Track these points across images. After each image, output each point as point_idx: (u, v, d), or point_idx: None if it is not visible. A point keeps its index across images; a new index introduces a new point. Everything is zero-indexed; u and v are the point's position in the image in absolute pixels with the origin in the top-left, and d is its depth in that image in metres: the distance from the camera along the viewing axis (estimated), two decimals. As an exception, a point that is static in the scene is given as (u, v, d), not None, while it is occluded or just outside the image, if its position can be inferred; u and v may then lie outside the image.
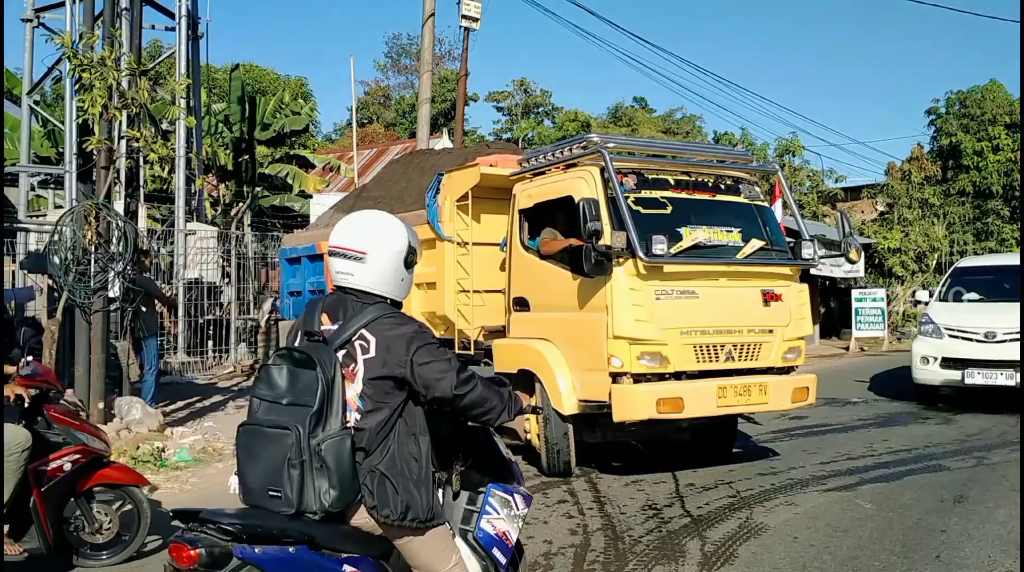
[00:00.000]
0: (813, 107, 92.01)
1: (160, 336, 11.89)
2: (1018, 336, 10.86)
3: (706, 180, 8.10)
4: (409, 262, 3.23)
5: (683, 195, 7.84)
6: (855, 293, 23.42)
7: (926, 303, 13.12)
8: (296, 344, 3.22)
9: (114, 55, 8.82)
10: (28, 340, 14.63)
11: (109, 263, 9.10)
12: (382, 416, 3.06)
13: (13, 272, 16.24)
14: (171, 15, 14.17)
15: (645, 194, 7.63)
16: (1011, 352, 11.01)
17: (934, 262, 28.19)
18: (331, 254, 3.18)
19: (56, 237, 9.32)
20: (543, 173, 8.37)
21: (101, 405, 9.32)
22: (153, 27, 16.11)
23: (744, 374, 7.69)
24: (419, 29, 17.85)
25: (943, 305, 12.65)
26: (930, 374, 11.80)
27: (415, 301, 9.31)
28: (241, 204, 22.66)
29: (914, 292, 21.07)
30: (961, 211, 30.84)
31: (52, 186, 16.03)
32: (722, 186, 8.15)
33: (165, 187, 15.17)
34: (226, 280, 15.92)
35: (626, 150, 8.20)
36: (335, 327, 3.13)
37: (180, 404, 11.83)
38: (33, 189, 16.34)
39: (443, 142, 25.75)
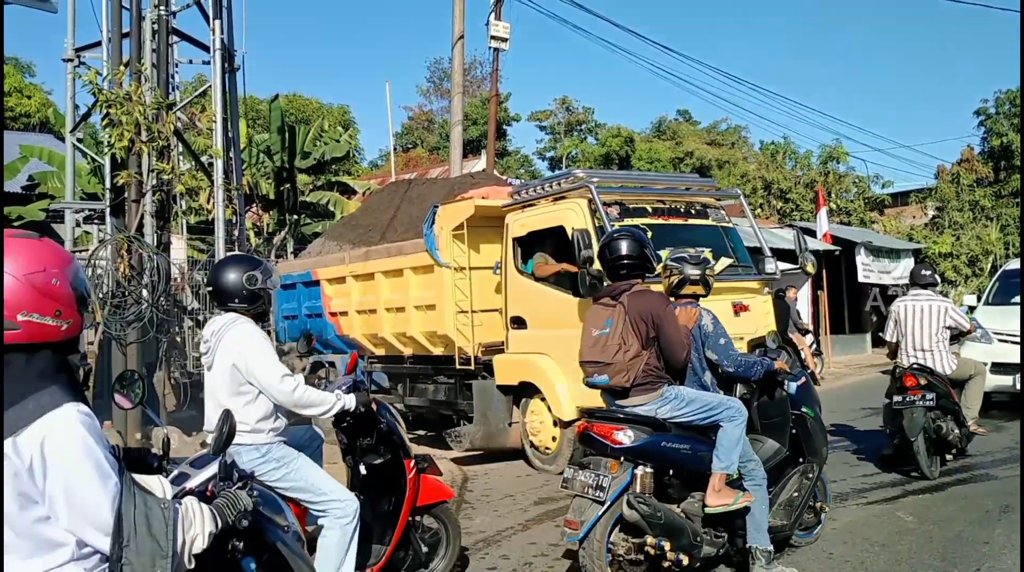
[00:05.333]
0: (857, 112, 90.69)
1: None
2: None
3: (679, 206, 9.04)
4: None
5: (660, 221, 8.71)
6: (905, 300, 22.79)
7: (974, 308, 12.73)
8: None
9: (140, 90, 8.98)
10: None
11: (141, 295, 9.24)
12: None
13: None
14: (206, 48, 14.40)
15: (628, 222, 8.35)
16: (1064, 355, 10.62)
17: (988, 265, 27.44)
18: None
19: (89, 271, 9.49)
20: (533, 204, 9.20)
21: (139, 435, 9.43)
22: (191, 62, 16.35)
23: None
24: (459, 54, 17.88)
25: (991, 309, 12.27)
26: (980, 380, 11.38)
27: (415, 321, 10.00)
28: (284, 232, 22.93)
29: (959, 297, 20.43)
30: (1015, 213, 29.98)
31: (96, 221, 16.34)
32: (692, 211, 9.13)
33: (209, 219, 15.45)
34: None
35: (607, 183, 8.94)
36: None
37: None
38: (79, 225, 16.68)
39: (481, 164, 25.76)
